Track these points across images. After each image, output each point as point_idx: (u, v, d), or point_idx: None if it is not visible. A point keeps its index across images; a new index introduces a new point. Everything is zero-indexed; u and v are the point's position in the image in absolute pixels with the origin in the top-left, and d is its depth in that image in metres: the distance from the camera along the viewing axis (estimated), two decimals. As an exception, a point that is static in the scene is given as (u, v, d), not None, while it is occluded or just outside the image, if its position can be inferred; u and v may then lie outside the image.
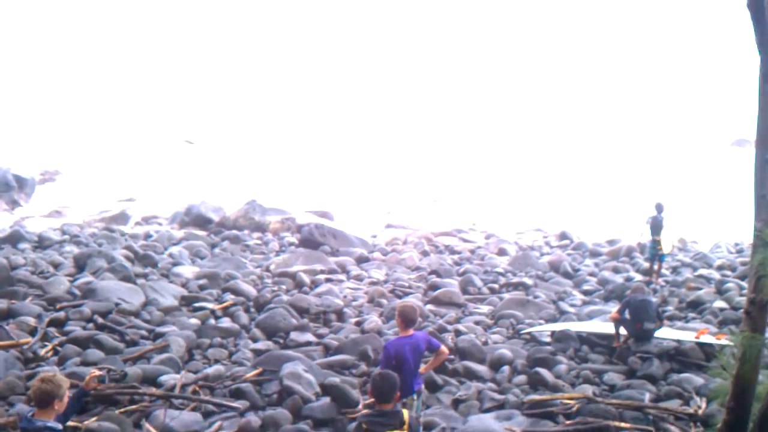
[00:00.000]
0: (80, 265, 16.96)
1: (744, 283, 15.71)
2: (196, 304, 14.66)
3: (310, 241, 21.29)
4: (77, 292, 14.67)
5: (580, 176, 39.36)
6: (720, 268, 19.58)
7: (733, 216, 23.08)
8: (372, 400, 6.06)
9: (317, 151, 44.99)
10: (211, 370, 11.13)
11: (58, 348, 11.84)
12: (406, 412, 5.83)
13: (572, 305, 16.17)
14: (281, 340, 13.07)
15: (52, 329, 12.58)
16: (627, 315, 12.68)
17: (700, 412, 9.82)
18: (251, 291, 15.80)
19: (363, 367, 11.72)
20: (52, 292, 14.52)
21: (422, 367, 8.10)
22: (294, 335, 13.14)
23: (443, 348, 8.08)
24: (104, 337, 12.13)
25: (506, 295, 16.57)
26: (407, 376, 7.56)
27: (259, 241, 22.52)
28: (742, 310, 8.08)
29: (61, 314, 13.25)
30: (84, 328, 12.74)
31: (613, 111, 62.86)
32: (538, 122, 58.57)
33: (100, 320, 13.05)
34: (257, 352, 12.25)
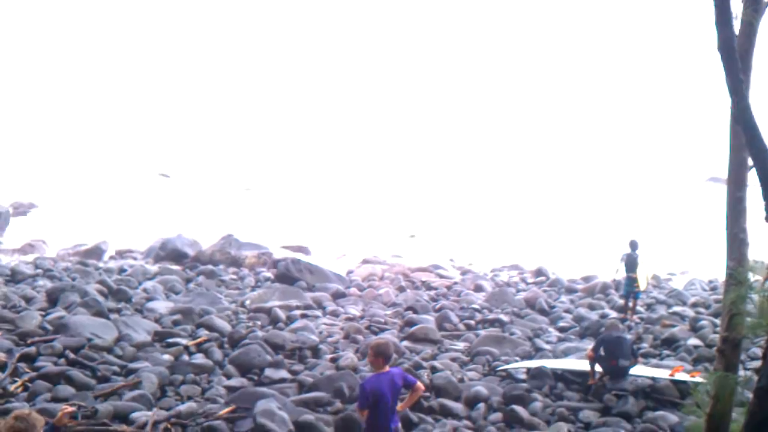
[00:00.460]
0: (53, 299, 16.76)
1: (718, 321, 15.81)
2: (170, 340, 14.51)
3: (287, 276, 21.20)
4: (49, 326, 14.49)
5: (556, 212, 39.57)
6: (694, 305, 19.70)
7: (708, 253, 23.28)
8: None
9: (294, 185, 44.98)
10: (183, 407, 11.01)
11: (29, 384, 11.67)
12: None
13: (548, 342, 16.18)
14: (255, 377, 12.96)
15: (22, 364, 12.41)
16: (602, 352, 12.71)
17: (674, 450, 9.83)
18: (226, 327, 15.67)
19: (338, 404, 11.64)
20: (23, 326, 14.33)
21: (399, 405, 8.06)
22: (268, 372, 13.04)
23: (419, 384, 8.05)
24: (75, 372, 11.98)
25: (482, 332, 16.55)
26: (384, 413, 7.51)
27: (234, 276, 22.38)
28: (715, 348, 8.13)
29: (32, 349, 13.08)
30: (55, 364, 12.58)
31: (590, 147, 63.43)
32: (514, 159, 58.98)
33: (71, 356, 12.90)
34: (231, 389, 12.14)
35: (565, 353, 14.99)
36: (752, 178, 6.41)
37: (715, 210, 8.75)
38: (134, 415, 10.56)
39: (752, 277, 6.94)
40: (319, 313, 18.03)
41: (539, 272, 24.66)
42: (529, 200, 43.94)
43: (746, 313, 6.77)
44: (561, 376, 13.40)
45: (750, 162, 6.64)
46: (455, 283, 22.74)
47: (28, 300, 16.96)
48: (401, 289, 21.29)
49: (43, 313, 15.64)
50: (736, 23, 5.83)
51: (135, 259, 25.19)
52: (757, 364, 12.80)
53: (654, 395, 12.42)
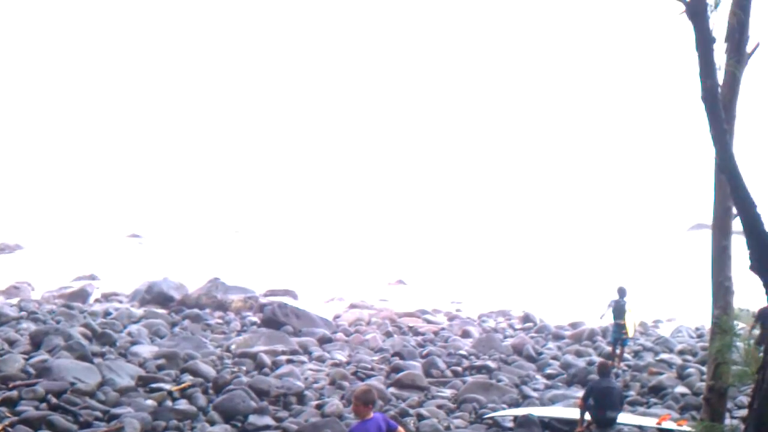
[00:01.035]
0: (36, 342, 16.58)
1: (705, 369, 15.77)
2: (153, 385, 14.35)
3: (273, 320, 21.07)
4: (32, 370, 14.32)
5: (544, 258, 39.66)
6: (681, 352, 19.65)
7: (694, 299, 23.33)
8: None
9: (282, 229, 44.96)
10: (166, 454, 10.85)
11: (9, 429, 11.49)
12: None
13: (535, 389, 16.07)
14: (239, 424, 12.81)
15: (3, 409, 12.23)
16: (591, 401, 12.63)
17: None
18: (210, 372, 15.52)
19: (322, 451, 11.49)
20: (5, 370, 14.14)
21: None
22: (252, 418, 12.89)
23: (400, 429, 7.98)
24: (57, 418, 11.82)
25: (469, 378, 16.44)
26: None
27: (220, 320, 22.24)
28: (702, 397, 8.10)
29: (14, 393, 12.91)
30: (37, 408, 12.41)
31: (577, 195, 63.82)
32: (503, 205, 59.22)
33: (53, 400, 12.72)
34: (214, 436, 11.98)
35: (553, 401, 14.89)
36: (737, 226, 6.46)
37: (701, 257, 8.80)
38: (115, 461, 10.40)
39: (738, 325, 6.95)
40: (305, 358, 17.89)
41: (526, 318, 24.61)
42: (517, 246, 44.04)
43: (732, 362, 6.76)
44: (548, 424, 13.30)
45: (734, 210, 6.69)
46: (443, 328, 22.65)
47: (11, 343, 16.78)
48: (388, 335, 21.19)
49: (26, 356, 15.46)
50: (720, 74, 5.90)
51: (121, 302, 25.03)
52: (744, 412, 12.77)
53: (641, 444, 12.33)
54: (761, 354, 5.62)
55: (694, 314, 24.05)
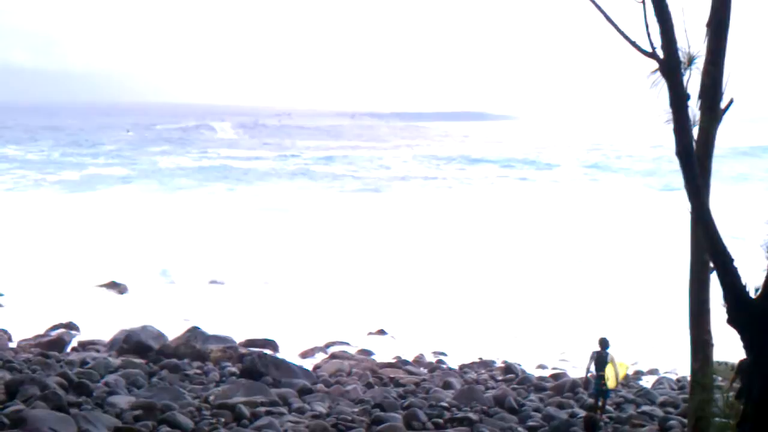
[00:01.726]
0: (12, 392, 16.41)
1: (686, 421, 15.73)
2: (130, 437, 14.17)
3: (252, 371, 20.91)
4: (6, 421, 14.14)
5: (528, 307, 39.58)
6: (663, 404, 19.64)
7: (677, 351, 23.41)
8: None
9: (263, 278, 44.71)
10: (141, 508, 10.66)
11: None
12: None
13: (517, 442, 15.99)
14: (217, 476, 12.63)
15: (-25, 461, 12.03)
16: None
17: None
18: (188, 423, 15.36)
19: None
20: (-22, 420, 13.95)
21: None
22: (231, 471, 12.72)
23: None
24: (30, 470, 11.61)
25: (451, 431, 16.35)
26: None
27: (199, 371, 22.04)
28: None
29: (-13, 445, 12.71)
30: (10, 461, 12.21)
31: (566, 244, 63.96)
32: (486, 254, 59.20)
33: (27, 452, 12.52)
34: (191, 489, 11.81)
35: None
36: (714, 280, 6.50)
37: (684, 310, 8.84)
38: None
39: (717, 378, 6.98)
40: (284, 410, 17.73)
41: (508, 369, 24.54)
42: (500, 295, 43.99)
43: (712, 416, 6.75)
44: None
45: (712, 264, 6.74)
46: (424, 379, 22.55)
47: (-14, 393, 16.55)
48: (369, 386, 21.08)
49: (0, 406, 15.26)
50: (695, 129, 6.00)
51: (98, 351, 24.73)
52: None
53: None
54: (742, 407, 5.62)
55: (676, 365, 24.05)
